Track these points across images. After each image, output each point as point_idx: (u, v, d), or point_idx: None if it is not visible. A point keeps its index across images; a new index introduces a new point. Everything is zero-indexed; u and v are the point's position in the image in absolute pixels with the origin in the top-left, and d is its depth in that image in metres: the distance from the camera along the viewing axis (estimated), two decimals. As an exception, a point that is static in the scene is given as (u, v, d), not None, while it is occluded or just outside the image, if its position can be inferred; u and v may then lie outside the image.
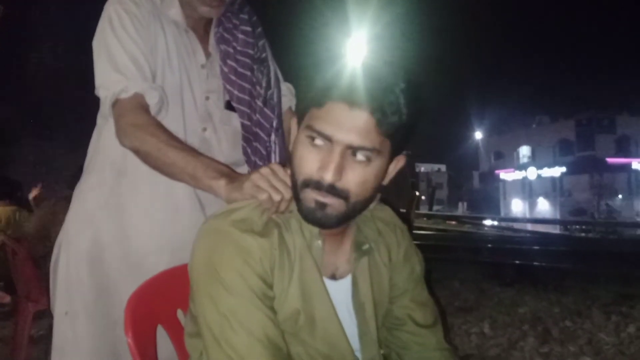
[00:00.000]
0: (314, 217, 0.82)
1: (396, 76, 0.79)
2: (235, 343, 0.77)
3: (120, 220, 1.20)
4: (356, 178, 0.80)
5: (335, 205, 0.80)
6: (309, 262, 0.86)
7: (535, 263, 7.05)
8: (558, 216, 25.72)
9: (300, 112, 0.85)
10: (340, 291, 0.90)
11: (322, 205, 0.80)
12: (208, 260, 0.81)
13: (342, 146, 0.78)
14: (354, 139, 0.77)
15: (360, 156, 0.79)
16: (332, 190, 0.79)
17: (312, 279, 0.86)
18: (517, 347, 2.91)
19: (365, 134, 0.78)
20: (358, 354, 0.90)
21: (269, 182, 0.88)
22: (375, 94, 0.77)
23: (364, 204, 0.85)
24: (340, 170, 0.78)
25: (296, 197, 0.84)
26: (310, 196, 0.81)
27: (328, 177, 0.78)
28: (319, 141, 0.80)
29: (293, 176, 0.84)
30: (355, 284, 0.92)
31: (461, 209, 34.09)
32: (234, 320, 0.77)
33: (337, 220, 0.82)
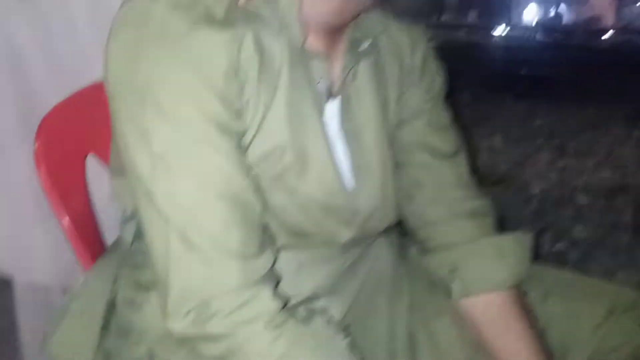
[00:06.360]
0: None
1: None
2: (179, 199, 0.50)
3: None
4: None
5: None
6: (299, 74, 0.57)
7: (551, 74, 6.84)
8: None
9: None
10: (333, 112, 0.63)
11: None
12: (135, 68, 0.50)
13: None
14: None
15: None
16: None
17: (305, 100, 0.58)
18: (531, 161, 2.83)
19: None
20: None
21: None
22: None
23: None
24: None
25: None
26: None
27: None
28: None
29: None
30: (346, 105, 0.63)
31: (472, 17, 32.83)
32: (176, 164, 0.49)
33: None
